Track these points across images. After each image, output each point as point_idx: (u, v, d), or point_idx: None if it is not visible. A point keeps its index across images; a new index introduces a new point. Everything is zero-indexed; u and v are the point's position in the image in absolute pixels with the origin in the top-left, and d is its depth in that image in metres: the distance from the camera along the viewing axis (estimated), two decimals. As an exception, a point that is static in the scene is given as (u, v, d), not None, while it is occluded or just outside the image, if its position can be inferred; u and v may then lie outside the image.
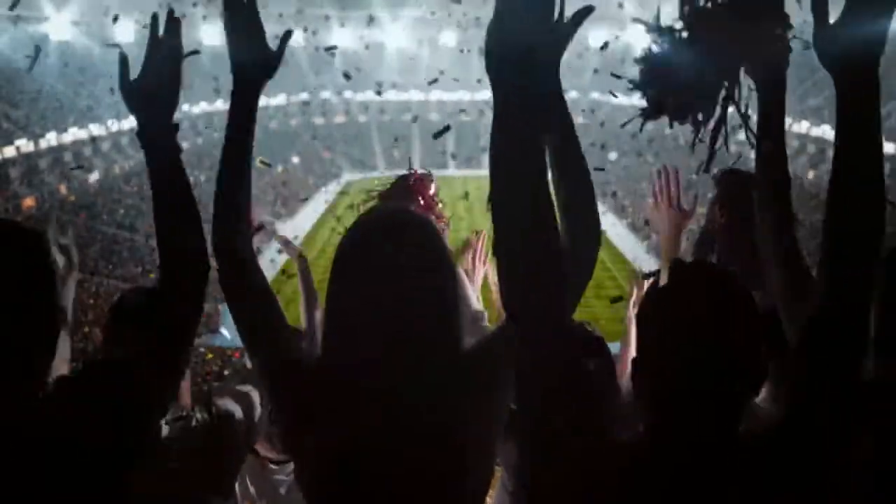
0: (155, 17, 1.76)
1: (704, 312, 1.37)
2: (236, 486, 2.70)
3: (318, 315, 3.15)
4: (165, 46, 1.78)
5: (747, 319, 1.40)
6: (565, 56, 1.64)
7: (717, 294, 1.39)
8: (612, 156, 58.34)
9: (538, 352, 1.45)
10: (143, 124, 1.78)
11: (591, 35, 58.63)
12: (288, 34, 1.84)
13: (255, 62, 1.80)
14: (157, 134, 1.78)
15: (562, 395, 1.42)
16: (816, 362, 1.42)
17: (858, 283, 1.43)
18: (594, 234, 1.75)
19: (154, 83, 1.78)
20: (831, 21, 1.49)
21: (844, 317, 1.42)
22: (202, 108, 68.47)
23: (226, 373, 22.33)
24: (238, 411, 2.39)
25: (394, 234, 1.69)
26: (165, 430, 2.19)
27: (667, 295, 1.44)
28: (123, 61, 1.80)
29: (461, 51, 65.46)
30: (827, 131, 49.12)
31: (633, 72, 1.82)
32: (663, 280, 1.59)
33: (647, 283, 3.09)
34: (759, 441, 1.38)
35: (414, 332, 1.64)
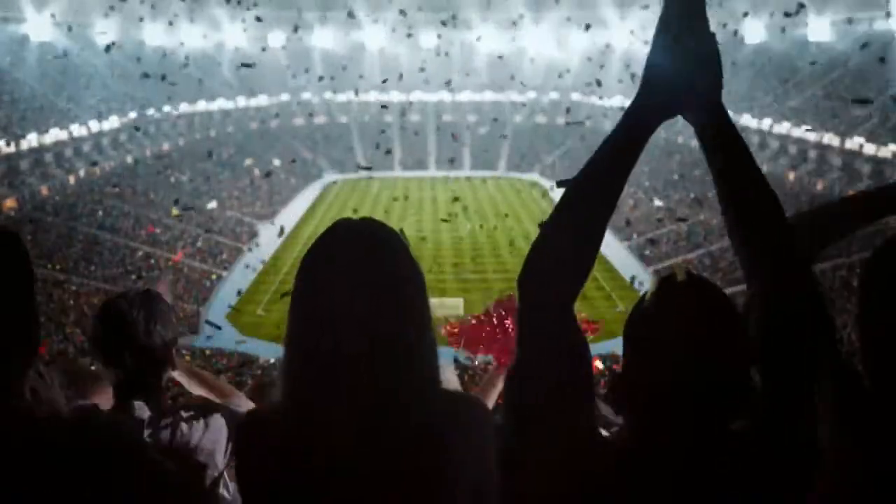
0: None
1: (693, 325, 1.36)
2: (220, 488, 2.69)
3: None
4: None
5: (735, 333, 1.39)
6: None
7: (705, 307, 1.39)
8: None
9: (540, 329, 1.45)
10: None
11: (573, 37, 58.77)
12: None
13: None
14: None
15: (557, 387, 1.41)
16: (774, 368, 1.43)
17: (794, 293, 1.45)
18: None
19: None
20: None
21: (787, 319, 1.44)
22: (183, 109, 68.28)
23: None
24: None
25: (362, 243, 1.57)
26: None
27: (656, 308, 1.42)
28: None
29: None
30: (808, 132, 49.45)
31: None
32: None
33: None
34: (742, 444, 1.38)
35: (379, 344, 1.50)
